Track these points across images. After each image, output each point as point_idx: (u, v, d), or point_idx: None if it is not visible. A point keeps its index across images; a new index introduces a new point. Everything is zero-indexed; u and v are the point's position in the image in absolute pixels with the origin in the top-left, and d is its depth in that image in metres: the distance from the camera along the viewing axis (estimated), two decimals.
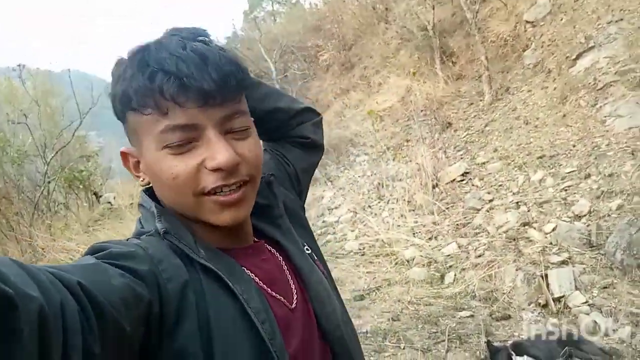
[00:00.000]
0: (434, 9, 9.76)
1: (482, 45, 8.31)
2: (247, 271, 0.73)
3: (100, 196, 11.09)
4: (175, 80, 0.63)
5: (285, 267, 0.81)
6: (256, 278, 0.73)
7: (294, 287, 0.79)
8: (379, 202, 7.13)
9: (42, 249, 7.83)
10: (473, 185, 6.23)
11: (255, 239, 0.83)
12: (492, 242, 4.87)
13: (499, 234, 4.93)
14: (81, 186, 11.03)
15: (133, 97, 0.65)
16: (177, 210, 0.72)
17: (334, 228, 7.11)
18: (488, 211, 5.49)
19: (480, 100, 8.33)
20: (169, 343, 0.59)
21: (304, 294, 0.81)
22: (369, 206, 7.17)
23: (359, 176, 8.25)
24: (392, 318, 4.27)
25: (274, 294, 0.74)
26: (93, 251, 0.61)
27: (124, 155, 0.76)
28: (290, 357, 0.68)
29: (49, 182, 10.00)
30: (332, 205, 7.89)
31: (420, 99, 9.27)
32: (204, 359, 0.60)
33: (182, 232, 0.69)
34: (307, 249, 0.88)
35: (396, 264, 5.49)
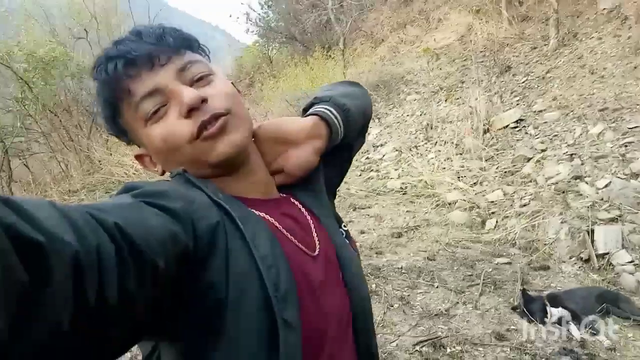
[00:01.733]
0: None
1: None
2: (264, 216, 0.74)
3: None
4: (121, 59, 0.70)
5: (312, 226, 0.82)
6: (275, 222, 0.75)
7: (317, 242, 0.79)
8: (425, 144, 7.03)
9: (99, 161, 8.22)
10: (526, 133, 6.02)
11: (282, 195, 0.85)
12: (539, 192, 4.76)
13: (548, 186, 4.80)
14: None
15: (109, 100, 0.72)
16: (196, 170, 0.75)
17: (377, 165, 7.11)
18: (539, 161, 5.32)
19: (545, 45, 7.85)
20: (200, 276, 0.62)
21: (334, 256, 0.82)
22: (416, 146, 7.09)
23: (407, 115, 8.10)
24: (427, 257, 4.33)
25: (292, 239, 0.75)
26: (126, 190, 0.63)
27: (139, 157, 0.80)
28: (302, 302, 0.69)
29: None
30: (377, 143, 7.84)
31: (480, 39, 8.84)
32: (225, 293, 0.62)
33: (202, 179, 0.73)
34: (344, 226, 0.90)
35: (437, 205, 5.49)
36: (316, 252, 0.77)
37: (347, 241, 0.88)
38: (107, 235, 0.48)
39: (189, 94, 0.69)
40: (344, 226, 0.90)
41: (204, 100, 0.71)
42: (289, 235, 0.75)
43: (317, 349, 0.72)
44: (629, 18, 6.83)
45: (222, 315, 0.62)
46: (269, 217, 0.75)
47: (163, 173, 0.79)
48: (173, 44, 0.73)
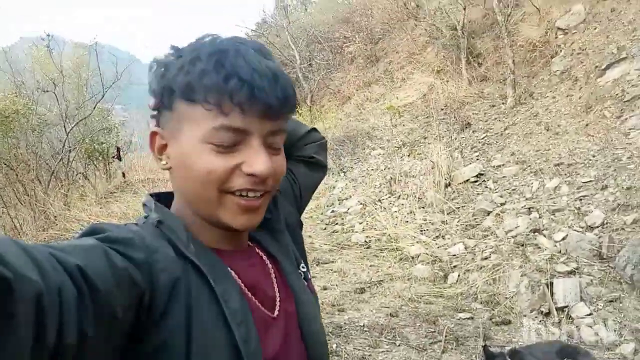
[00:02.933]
0: (465, 9, 9.60)
1: (510, 49, 8.14)
2: (233, 274, 0.74)
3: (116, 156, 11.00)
4: (248, 89, 0.67)
5: (274, 277, 0.83)
6: (239, 282, 0.74)
7: (278, 297, 0.80)
8: (389, 197, 7.07)
9: (55, 217, 7.94)
10: (486, 187, 6.13)
11: (249, 244, 0.85)
12: (499, 245, 4.78)
13: (508, 239, 4.84)
14: (100, 158, 11.15)
15: (199, 91, 0.68)
16: (191, 204, 0.74)
17: (342, 219, 7.07)
18: (498, 215, 5.39)
19: (503, 103, 8.18)
20: (154, 334, 0.61)
21: (293, 307, 0.82)
22: (379, 200, 7.11)
23: (372, 169, 8.18)
24: (390, 314, 4.22)
25: (254, 299, 0.75)
26: (92, 232, 0.62)
27: (154, 135, 0.77)
28: None
29: (69, 151, 10.13)
30: (342, 196, 7.84)
31: (442, 98, 9.15)
32: (185, 354, 0.62)
33: (176, 225, 0.72)
34: (302, 267, 0.91)
35: (400, 259, 5.44)
36: (276, 312, 0.77)
37: (306, 282, 0.88)
38: (68, 277, 0.48)
39: (265, 166, 0.70)
40: (302, 267, 0.90)
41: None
42: (250, 295, 0.74)
43: None
44: (579, 79, 7.20)
45: None
46: (234, 274, 0.74)
47: (169, 169, 0.76)
48: (290, 109, 0.73)
